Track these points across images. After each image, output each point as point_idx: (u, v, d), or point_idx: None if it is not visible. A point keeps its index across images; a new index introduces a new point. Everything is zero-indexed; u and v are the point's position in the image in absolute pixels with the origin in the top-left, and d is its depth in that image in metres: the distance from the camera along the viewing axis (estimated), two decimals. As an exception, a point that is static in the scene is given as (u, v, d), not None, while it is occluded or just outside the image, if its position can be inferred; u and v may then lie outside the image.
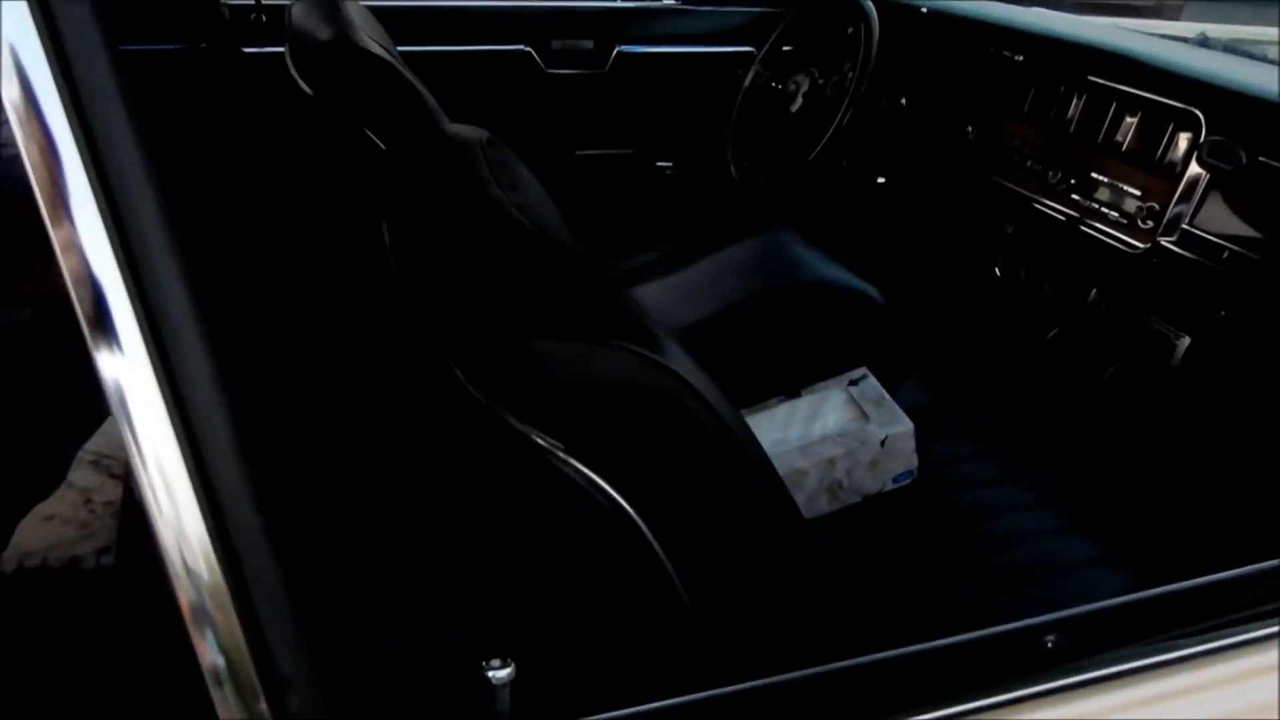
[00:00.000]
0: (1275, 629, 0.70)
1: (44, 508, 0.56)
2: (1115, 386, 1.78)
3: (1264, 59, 1.88)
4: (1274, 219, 1.47)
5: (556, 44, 2.33)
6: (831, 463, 1.42)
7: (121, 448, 0.54)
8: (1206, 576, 0.70)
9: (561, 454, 0.73)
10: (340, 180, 1.50)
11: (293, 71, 1.47)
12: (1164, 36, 2.08)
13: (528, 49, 2.31)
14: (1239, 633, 0.67)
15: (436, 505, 1.02)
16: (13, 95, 0.50)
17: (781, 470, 1.41)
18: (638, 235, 2.29)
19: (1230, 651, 0.67)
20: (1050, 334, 1.94)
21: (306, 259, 1.59)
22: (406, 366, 1.01)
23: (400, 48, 1.67)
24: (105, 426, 0.53)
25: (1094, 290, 1.83)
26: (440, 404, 0.82)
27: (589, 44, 2.36)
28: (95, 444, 0.55)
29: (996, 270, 2.04)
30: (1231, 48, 1.94)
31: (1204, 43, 1.97)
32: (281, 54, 1.53)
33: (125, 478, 0.55)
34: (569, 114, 2.40)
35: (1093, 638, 0.63)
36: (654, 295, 1.76)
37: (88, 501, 0.56)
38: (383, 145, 1.38)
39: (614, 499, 0.75)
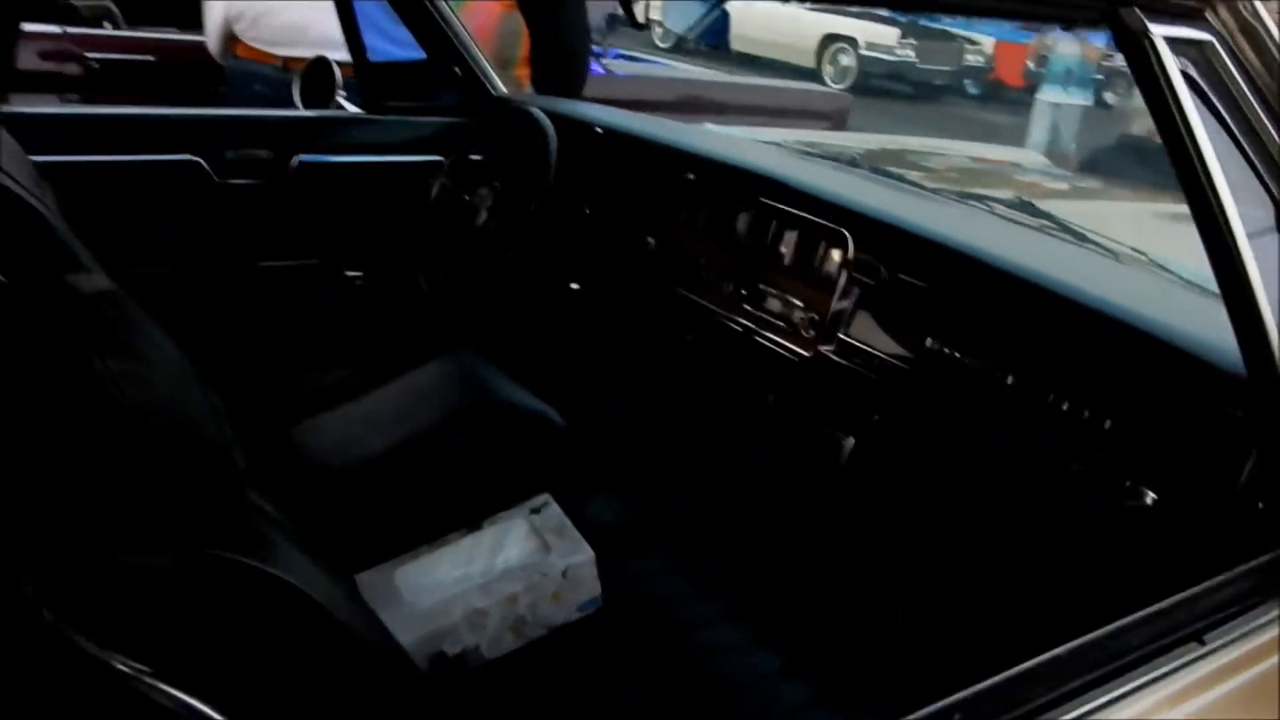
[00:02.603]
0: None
1: None
2: (797, 487, 1.87)
3: (901, 181, 2.08)
4: (913, 329, 1.59)
5: (230, 154, 2.22)
6: (514, 599, 1.38)
7: None
8: None
9: (149, 680, 0.65)
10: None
11: None
12: (820, 154, 2.26)
13: (197, 159, 2.17)
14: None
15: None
16: None
17: (463, 611, 1.36)
18: (329, 348, 2.20)
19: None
20: (737, 432, 2.02)
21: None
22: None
23: (52, 158, 1.52)
24: None
25: (770, 395, 1.92)
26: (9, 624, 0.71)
27: (266, 153, 2.26)
28: None
29: (681, 376, 2.10)
30: (877, 169, 2.14)
31: (854, 163, 2.15)
32: None
33: None
34: (247, 225, 2.28)
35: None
36: (337, 425, 1.68)
37: None
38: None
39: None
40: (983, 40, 13.06)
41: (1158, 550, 1.28)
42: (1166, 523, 1.27)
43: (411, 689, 0.86)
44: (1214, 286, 1.67)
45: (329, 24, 2.55)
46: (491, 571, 1.41)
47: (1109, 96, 13.48)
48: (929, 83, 13.02)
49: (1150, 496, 1.29)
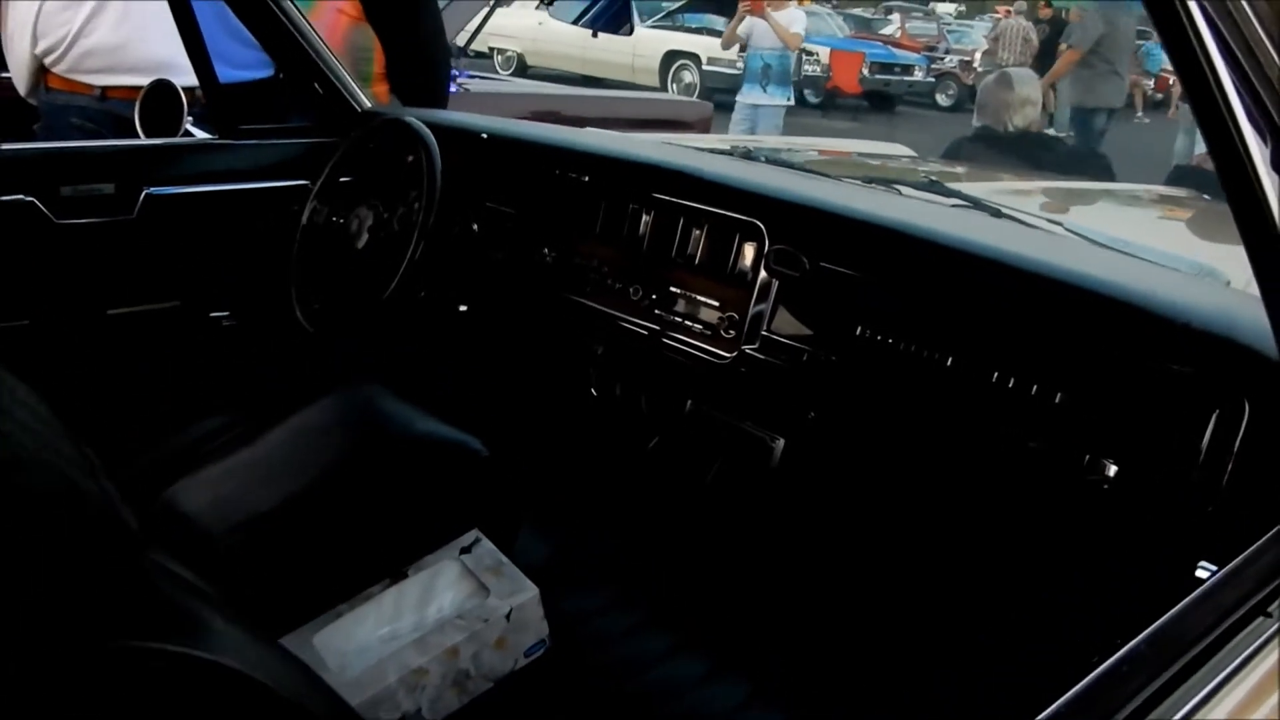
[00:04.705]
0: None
1: None
2: (722, 497, 1.76)
3: (803, 168, 2.02)
4: (841, 319, 1.52)
5: (66, 190, 1.98)
6: (454, 652, 1.23)
7: None
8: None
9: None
10: None
11: None
12: (709, 150, 2.18)
13: (29, 199, 1.94)
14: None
15: None
16: None
17: (398, 674, 1.20)
18: (198, 399, 1.99)
19: None
20: (651, 444, 1.91)
21: None
22: None
23: None
24: None
25: (689, 401, 1.82)
26: None
27: (109, 188, 2.04)
28: None
29: (592, 391, 1.99)
30: (772, 159, 2.07)
31: (748, 155, 2.08)
32: None
33: None
34: (92, 269, 2.05)
35: None
36: (218, 481, 1.48)
37: None
38: None
39: None
40: (819, 50, 13.44)
41: (1127, 522, 1.23)
42: (1132, 493, 1.22)
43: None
44: (1135, 250, 1.67)
45: (148, 46, 2.34)
46: (424, 624, 1.25)
47: (941, 99, 14.10)
48: (770, 94, 13.28)
49: (1112, 468, 1.24)
